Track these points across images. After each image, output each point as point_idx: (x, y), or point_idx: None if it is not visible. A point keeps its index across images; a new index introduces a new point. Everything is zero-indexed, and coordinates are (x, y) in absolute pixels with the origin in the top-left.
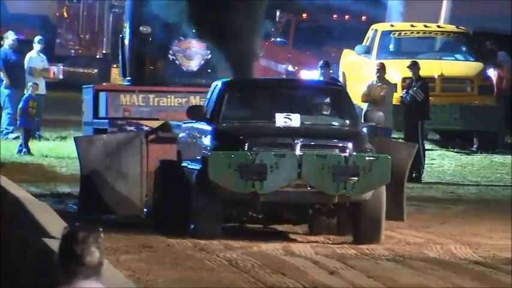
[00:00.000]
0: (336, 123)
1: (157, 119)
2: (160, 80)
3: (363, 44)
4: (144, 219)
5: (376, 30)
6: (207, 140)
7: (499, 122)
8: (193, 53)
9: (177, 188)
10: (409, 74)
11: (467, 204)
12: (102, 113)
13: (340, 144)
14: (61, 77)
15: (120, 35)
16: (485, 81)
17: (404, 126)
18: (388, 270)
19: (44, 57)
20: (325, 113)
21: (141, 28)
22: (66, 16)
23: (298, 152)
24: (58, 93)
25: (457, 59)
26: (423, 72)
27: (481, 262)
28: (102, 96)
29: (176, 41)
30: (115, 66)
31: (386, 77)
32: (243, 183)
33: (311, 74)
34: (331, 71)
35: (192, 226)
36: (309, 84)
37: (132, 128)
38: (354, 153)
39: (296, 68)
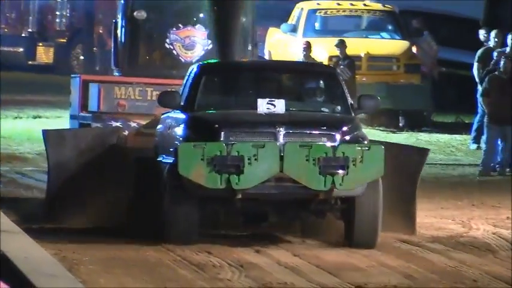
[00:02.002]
0: (325, 110)
1: (154, 115)
2: (156, 71)
3: (289, 22)
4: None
5: (302, 9)
6: (180, 130)
7: (426, 100)
8: (193, 42)
9: (153, 186)
10: (336, 52)
11: None
12: (93, 106)
13: (328, 133)
14: None
15: (114, 20)
16: (412, 60)
17: None
18: (313, 249)
19: None
20: (314, 98)
21: (135, 13)
22: None
23: (281, 141)
24: None
25: (383, 38)
26: (349, 50)
27: (406, 240)
28: (93, 88)
29: (174, 29)
30: (41, 44)
31: (313, 55)
32: (217, 178)
33: None
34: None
35: (164, 229)
36: (296, 66)
37: (118, 123)
38: (344, 142)
39: None
